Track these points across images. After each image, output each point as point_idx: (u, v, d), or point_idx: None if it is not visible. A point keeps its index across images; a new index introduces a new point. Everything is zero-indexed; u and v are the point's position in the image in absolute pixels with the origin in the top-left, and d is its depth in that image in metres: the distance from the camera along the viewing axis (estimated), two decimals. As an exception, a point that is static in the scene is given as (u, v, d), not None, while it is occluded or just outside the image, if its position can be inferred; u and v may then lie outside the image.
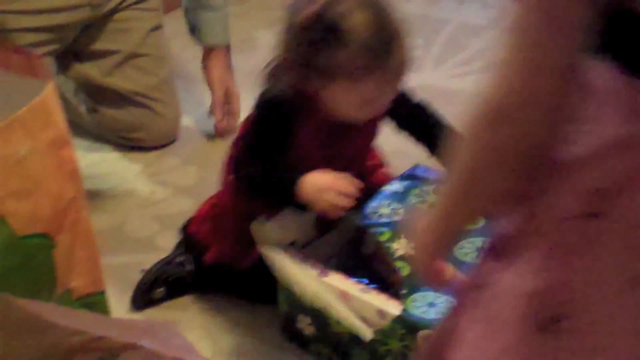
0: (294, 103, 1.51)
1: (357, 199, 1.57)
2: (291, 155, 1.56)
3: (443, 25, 3.00)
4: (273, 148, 1.55)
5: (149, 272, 1.80)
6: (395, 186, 1.72)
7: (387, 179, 1.74)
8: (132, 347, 1.07)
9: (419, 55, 2.74)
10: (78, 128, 2.37)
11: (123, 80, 2.29)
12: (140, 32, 2.28)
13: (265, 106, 1.56)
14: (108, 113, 2.32)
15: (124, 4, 2.25)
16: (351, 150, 1.64)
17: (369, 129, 1.64)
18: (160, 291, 1.79)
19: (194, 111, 2.49)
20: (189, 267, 1.79)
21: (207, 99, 2.47)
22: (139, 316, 1.75)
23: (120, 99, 2.30)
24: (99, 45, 2.26)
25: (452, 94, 2.55)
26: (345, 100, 1.47)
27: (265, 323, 1.72)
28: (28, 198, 1.23)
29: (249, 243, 1.63)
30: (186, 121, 2.42)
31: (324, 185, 1.50)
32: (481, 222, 1.58)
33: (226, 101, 2.37)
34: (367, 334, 1.46)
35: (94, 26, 2.24)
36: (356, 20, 1.41)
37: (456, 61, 2.76)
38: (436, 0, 3.20)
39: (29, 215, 1.24)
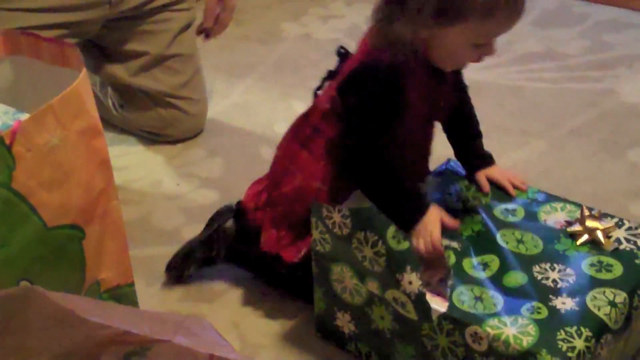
0: (401, 64, 1.48)
1: None
2: (403, 118, 1.54)
3: (471, 17, 2.97)
4: (389, 119, 1.53)
5: (178, 253, 1.80)
6: (429, 183, 1.69)
7: None
8: (164, 341, 1.06)
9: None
10: (103, 120, 2.35)
11: (151, 81, 2.27)
12: (171, 33, 2.26)
13: (373, 75, 1.50)
14: (135, 112, 2.32)
15: (155, 4, 2.22)
16: (446, 101, 1.62)
17: (454, 80, 1.65)
18: (190, 270, 1.80)
19: (220, 102, 2.48)
20: (218, 246, 1.78)
21: (232, 90, 2.46)
22: (168, 308, 1.74)
23: (148, 99, 2.29)
24: (128, 46, 2.25)
25: (479, 87, 2.54)
26: (463, 42, 1.45)
27: (296, 318, 1.71)
28: (59, 188, 1.22)
29: (301, 236, 1.62)
30: (212, 113, 2.41)
31: (436, 228, 1.50)
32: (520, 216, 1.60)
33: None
34: (441, 307, 1.41)
35: (124, 27, 2.22)
36: None
37: (484, 54, 2.73)
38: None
39: (60, 206, 1.23)
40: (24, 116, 1.32)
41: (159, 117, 2.30)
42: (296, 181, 1.65)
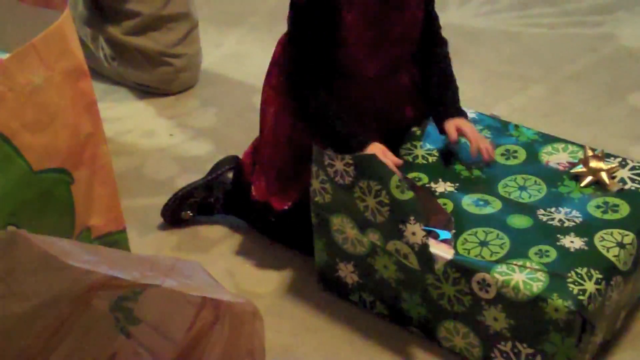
0: None
1: None
2: (340, 39, 1.50)
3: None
4: (322, 37, 1.49)
5: (177, 194, 1.78)
6: (429, 127, 1.65)
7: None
8: (155, 285, 1.02)
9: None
10: (94, 72, 2.31)
11: (145, 40, 2.22)
12: None
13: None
14: (129, 67, 2.27)
15: None
16: (397, 31, 1.56)
17: (412, 12, 1.57)
18: (187, 213, 1.78)
19: (212, 53, 2.43)
20: (217, 194, 1.76)
21: (224, 40, 2.41)
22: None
23: (142, 57, 2.23)
24: (123, 5, 2.19)
25: (478, 33, 2.49)
26: None
27: (293, 268, 1.67)
28: (44, 131, 1.18)
29: (289, 183, 1.60)
30: (205, 63, 2.36)
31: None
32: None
33: None
34: (447, 254, 1.38)
35: None
36: None
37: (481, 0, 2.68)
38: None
39: (46, 148, 1.19)
40: (5, 55, 1.27)
41: (154, 74, 2.25)
42: (271, 121, 1.63)
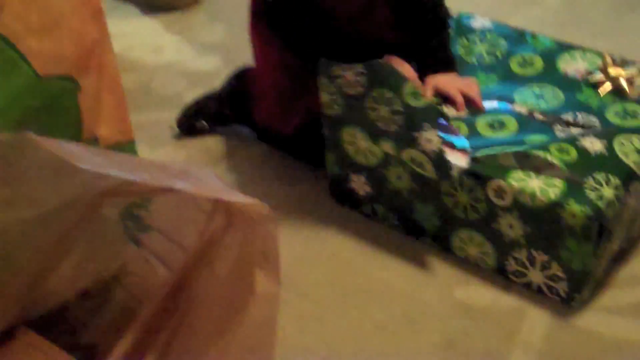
0: None
1: None
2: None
3: None
4: None
5: (191, 104, 1.78)
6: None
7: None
8: (166, 190, 1.00)
9: None
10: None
11: None
12: None
13: None
14: None
15: None
16: None
17: None
18: (202, 123, 1.77)
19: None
20: (230, 105, 1.75)
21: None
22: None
23: None
24: None
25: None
26: None
27: (305, 180, 1.65)
28: (49, 35, 1.14)
29: (289, 106, 1.58)
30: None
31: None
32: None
33: None
34: (462, 162, 1.34)
35: None
36: None
37: None
38: None
39: (51, 54, 1.15)
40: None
41: None
42: (259, 51, 1.62)
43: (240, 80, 1.75)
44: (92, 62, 1.24)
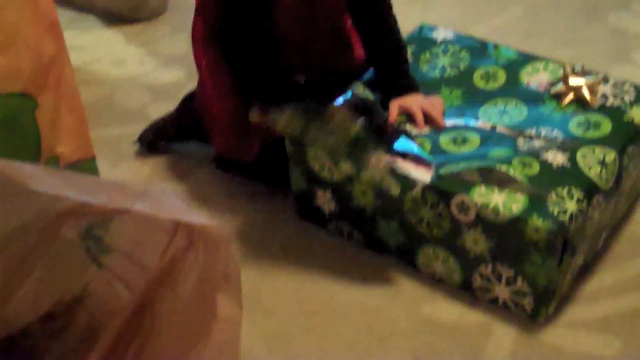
0: None
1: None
2: (272, 13, 1.44)
3: None
4: (260, 9, 1.42)
5: (149, 129, 1.75)
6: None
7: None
8: (125, 211, 0.98)
9: None
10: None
11: None
12: None
13: None
14: None
15: None
16: (327, 5, 1.51)
17: None
18: (162, 144, 1.75)
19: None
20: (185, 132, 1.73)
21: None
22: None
23: None
24: None
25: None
26: None
27: (270, 197, 1.63)
28: (4, 52, 1.12)
29: (246, 134, 1.54)
30: (175, -11, 2.29)
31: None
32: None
33: None
34: (426, 178, 1.33)
35: None
36: None
37: None
38: None
39: (7, 71, 1.13)
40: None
41: (123, 1, 2.18)
42: (207, 75, 1.58)
43: (189, 110, 1.71)
44: (49, 78, 1.23)
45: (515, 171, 1.30)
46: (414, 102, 1.47)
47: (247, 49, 1.45)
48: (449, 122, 1.45)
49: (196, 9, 1.56)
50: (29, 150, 1.22)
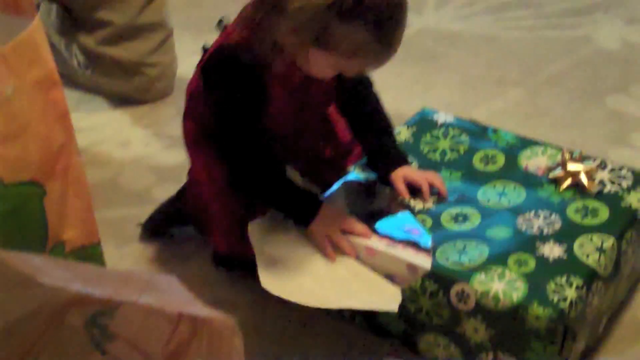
0: (264, 56, 1.38)
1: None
2: (265, 109, 1.46)
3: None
4: (253, 112, 1.44)
5: (150, 218, 1.75)
6: (403, 134, 1.64)
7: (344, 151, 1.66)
8: (130, 301, 1.00)
9: (421, -4, 2.67)
10: (69, 80, 2.28)
11: (119, 50, 2.19)
12: (140, 1, 2.17)
13: (234, 65, 1.41)
14: (103, 77, 2.24)
15: None
16: (316, 97, 1.53)
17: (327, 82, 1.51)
18: (167, 229, 1.75)
19: (188, 60, 2.37)
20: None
21: (199, 47, 2.38)
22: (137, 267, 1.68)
23: (117, 66, 2.21)
24: (96, 14, 2.16)
25: (455, 36, 2.48)
26: (324, 66, 1.36)
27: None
28: (15, 142, 1.15)
29: (244, 221, 1.52)
30: (180, 71, 2.33)
31: (335, 222, 1.43)
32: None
33: None
34: (393, 307, 1.35)
35: None
36: (378, 5, 1.27)
37: (458, 3, 2.67)
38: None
39: (17, 160, 1.16)
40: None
41: (128, 83, 2.23)
42: (204, 175, 1.57)
43: (183, 205, 1.71)
44: (58, 166, 1.25)
45: (511, 272, 1.31)
46: (416, 173, 1.51)
47: (242, 149, 1.46)
48: (446, 215, 1.46)
49: (185, 112, 1.58)
50: (36, 236, 1.24)
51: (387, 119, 1.57)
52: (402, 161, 1.53)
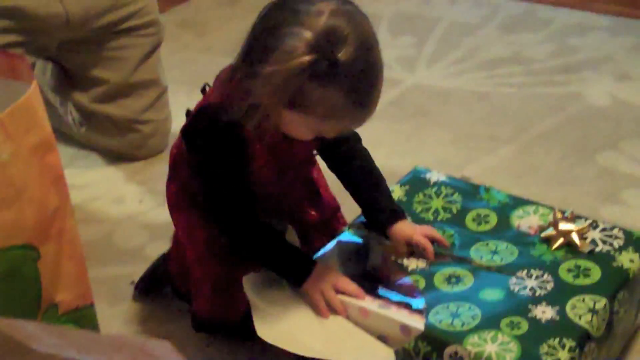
0: (242, 117, 1.39)
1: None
2: (250, 169, 1.47)
3: (435, 24, 2.94)
4: (237, 171, 1.45)
5: (140, 282, 1.76)
6: (396, 193, 1.65)
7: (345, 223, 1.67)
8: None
9: (412, 54, 2.71)
10: (64, 136, 2.30)
11: (114, 108, 2.22)
12: (135, 60, 2.20)
13: (214, 126, 1.42)
14: (98, 134, 2.26)
15: (121, 28, 2.16)
16: (298, 156, 1.55)
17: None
18: (161, 288, 1.75)
19: (182, 116, 2.39)
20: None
21: (194, 103, 2.40)
22: (132, 329, 1.68)
23: (111, 124, 2.23)
24: (91, 72, 2.19)
25: (447, 93, 2.51)
26: (301, 127, 1.37)
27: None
28: (11, 207, 1.16)
29: (231, 294, 1.53)
30: (175, 127, 2.35)
31: (329, 281, 1.43)
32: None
33: None
34: (419, 325, 1.35)
35: (87, 50, 2.16)
36: (350, 56, 1.27)
37: (450, 60, 2.70)
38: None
39: (13, 225, 1.16)
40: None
41: (122, 140, 2.25)
42: (186, 238, 1.58)
43: (168, 267, 1.71)
44: (52, 229, 1.26)
45: (504, 334, 1.31)
46: (418, 231, 1.51)
47: (231, 210, 1.47)
48: (439, 275, 1.47)
49: (168, 176, 1.60)
50: (30, 299, 1.24)
51: (378, 173, 1.58)
52: (399, 216, 1.53)
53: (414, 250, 1.51)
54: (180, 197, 1.57)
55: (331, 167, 1.61)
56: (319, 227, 1.64)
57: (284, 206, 1.60)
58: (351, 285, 1.43)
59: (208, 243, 1.54)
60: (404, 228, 1.52)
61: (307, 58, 1.25)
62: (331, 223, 1.66)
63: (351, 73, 1.27)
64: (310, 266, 1.45)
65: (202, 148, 1.46)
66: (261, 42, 1.32)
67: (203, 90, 1.55)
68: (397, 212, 1.54)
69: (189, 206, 1.55)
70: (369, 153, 1.60)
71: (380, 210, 1.55)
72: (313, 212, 1.64)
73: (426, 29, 2.90)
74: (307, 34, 1.26)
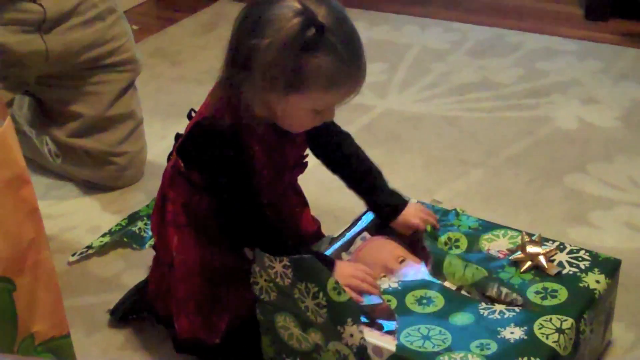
0: (241, 124, 1.46)
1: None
2: (253, 169, 1.52)
3: (406, 50, 2.99)
4: (243, 172, 1.49)
5: (119, 304, 1.78)
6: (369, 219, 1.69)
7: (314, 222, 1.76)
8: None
9: (383, 80, 2.75)
10: (40, 166, 2.32)
11: (89, 141, 2.23)
12: (111, 95, 2.22)
13: (214, 133, 1.47)
14: (73, 166, 2.28)
15: (99, 64, 2.19)
16: (292, 157, 1.60)
17: (301, 137, 1.61)
18: (137, 314, 1.77)
19: (157, 145, 2.44)
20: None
21: (169, 132, 2.43)
22: (109, 357, 1.69)
23: (87, 156, 2.25)
24: (67, 107, 2.21)
25: (418, 118, 2.55)
26: (303, 111, 1.43)
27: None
28: (-15, 240, 1.17)
29: (213, 314, 1.57)
30: (150, 156, 2.37)
31: (351, 274, 1.49)
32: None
33: None
34: (391, 346, 1.38)
35: (65, 85, 2.19)
36: (332, 21, 1.38)
37: (421, 85, 2.74)
38: (399, 26, 3.19)
39: (-13, 258, 1.18)
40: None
41: (98, 172, 2.27)
42: (176, 255, 1.59)
43: (146, 291, 1.73)
44: (27, 261, 1.27)
45: (473, 355, 1.35)
46: (414, 214, 1.63)
47: (246, 215, 1.51)
48: (410, 297, 1.50)
49: (164, 196, 1.60)
50: (6, 330, 1.26)
51: (372, 164, 1.67)
52: (399, 208, 1.64)
53: (418, 237, 1.62)
54: (178, 215, 1.58)
55: (325, 160, 1.68)
56: (310, 238, 1.71)
57: (280, 214, 1.64)
58: (368, 276, 1.50)
59: (201, 261, 1.57)
60: (404, 219, 1.62)
61: (296, 20, 1.35)
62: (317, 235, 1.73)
63: (338, 36, 1.37)
64: (331, 265, 1.49)
65: (204, 160, 1.51)
66: (247, 34, 1.39)
67: (189, 116, 1.58)
68: (396, 206, 1.63)
69: (187, 224, 1.58)
70: (354, 144, 1.68)
71: (380, 202, 1.65)
72: (303, 220, 1.71)
73: (397, 55, 2.94)
74: (293, 3, 1.36)
